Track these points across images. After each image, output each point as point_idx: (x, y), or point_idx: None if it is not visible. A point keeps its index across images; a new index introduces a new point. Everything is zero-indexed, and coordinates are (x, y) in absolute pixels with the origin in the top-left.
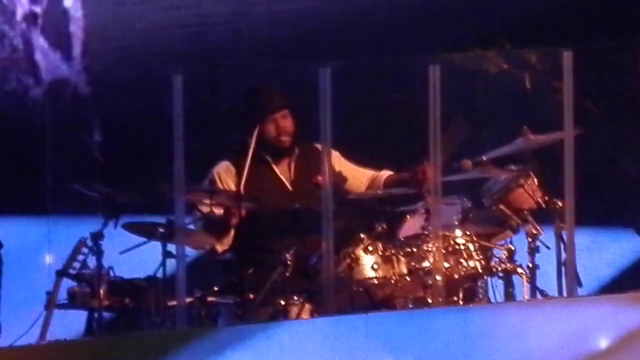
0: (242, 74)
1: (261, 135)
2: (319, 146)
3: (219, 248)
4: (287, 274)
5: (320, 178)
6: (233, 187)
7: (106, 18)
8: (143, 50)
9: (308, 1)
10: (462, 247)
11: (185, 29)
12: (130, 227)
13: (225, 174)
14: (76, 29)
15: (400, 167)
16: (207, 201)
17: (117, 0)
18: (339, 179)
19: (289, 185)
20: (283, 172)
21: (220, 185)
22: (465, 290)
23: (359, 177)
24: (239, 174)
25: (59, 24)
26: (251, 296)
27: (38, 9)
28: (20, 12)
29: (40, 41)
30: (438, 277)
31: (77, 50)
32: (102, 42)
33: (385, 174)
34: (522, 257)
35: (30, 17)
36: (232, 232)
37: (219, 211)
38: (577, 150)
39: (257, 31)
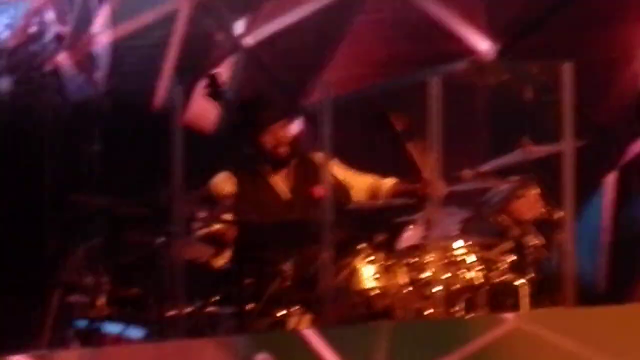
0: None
1: (259, 146)
2: (317, 155)
3: (216, 262)
4: (286, 284)
5: (319, 190)
6: (227, 196)
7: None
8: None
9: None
10: (462, 258)
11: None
12: (129, 237)
13: (224, 184)
14: (101, 51)
15: (401, 176)
16: (205, 213)
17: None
18: (338, 189)
19: (285, 196)
20: (281, 182)
21: (218, 196)
22: (466, 301)
23: (358, 185)
24: (237, 184)
25: (85, 46)
26: (250, 306)
27: (65, 30)
28: (50, 33)
29: (67, 62)
30: (438, 288)
31: (101, 72)
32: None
33: (387, 182)
34: (523, 268)
35: (58, 38)
36: (228, 247)
37: (216, 226)
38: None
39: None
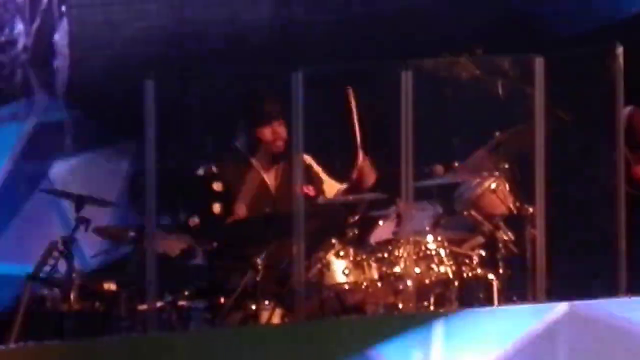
0: (214, 79)
1: (256, 139)
2: (306, 157)
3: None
4: (258, 279)
5: (308, 189)
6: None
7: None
8: (129, 59)
9: (289, 9)
10: (433, 252)
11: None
12: (101, 231)
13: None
14: (61, 63)
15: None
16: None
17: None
18: (317, 185)
19: (273, 190)
20: (270, 178)
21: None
22: (436, 295)
23: (330, 189)
24: (226, 175)
25: (46, 59)
26: (222, 300)
27: (29, 43)
28: (20, 44)
29: (32, 74)
30: (409, 283)
31: (60, 85)
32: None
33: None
34: (493, 263)
35: (26, 50)
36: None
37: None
38: (548, 156)
39: (245, 37)
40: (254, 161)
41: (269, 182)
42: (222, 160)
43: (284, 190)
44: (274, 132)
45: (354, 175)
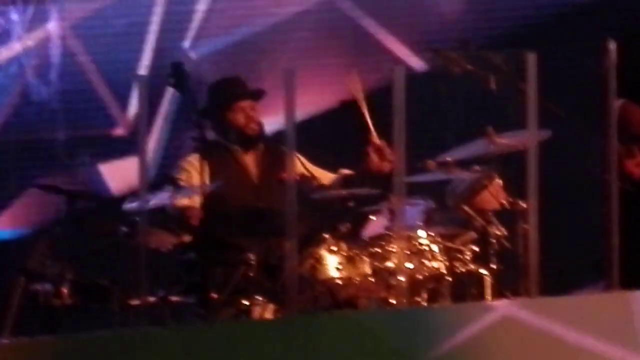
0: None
1: (229, 124)
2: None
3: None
4: (251, 274)
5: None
6: (197, 178)
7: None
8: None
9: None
10: (425, 247)
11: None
12: (93, 226)
13: (191, 166)
14: (55, 53)
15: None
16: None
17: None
18: (305, 179)
19: (255, 178)
20: (250, 163)
21: (186, 177)
22: (429, 291)
23: (322, 179)
24: (204, 165)
25: (41, 48)
26: (214, 296)
27: (23, 32)
28: (15, 34)
29: (28, 64)
30: (401, 278)
31: (54, 73)
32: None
33: (345, 173)
34: (486, 258)
35: (20, 40)
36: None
37: (181, 202)
38: (541, 151)
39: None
40: (232, 146)
41: (249, 168)
42: (203, 148)
43: (266, 180)
44: (246, 116)
45: (370, 159)
